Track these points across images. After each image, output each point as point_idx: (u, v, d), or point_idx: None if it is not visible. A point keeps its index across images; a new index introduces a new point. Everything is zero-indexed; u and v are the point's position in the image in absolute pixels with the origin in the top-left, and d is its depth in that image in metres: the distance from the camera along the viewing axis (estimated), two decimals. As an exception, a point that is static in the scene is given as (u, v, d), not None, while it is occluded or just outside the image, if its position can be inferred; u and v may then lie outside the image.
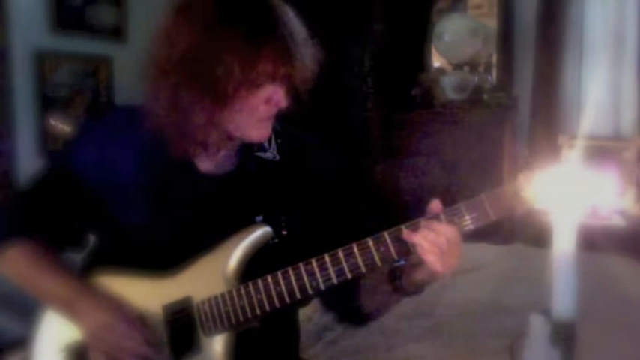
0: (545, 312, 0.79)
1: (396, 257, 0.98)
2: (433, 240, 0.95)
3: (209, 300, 1.06)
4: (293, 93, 1.07)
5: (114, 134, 1.15)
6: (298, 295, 1.02)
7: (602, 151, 2.96)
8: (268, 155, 1.15)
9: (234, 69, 0.96)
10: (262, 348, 1.11)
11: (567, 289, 0.78)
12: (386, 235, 0.99)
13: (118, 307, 1.09)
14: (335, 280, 1.00)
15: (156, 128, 1.05)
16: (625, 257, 2.28)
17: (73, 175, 1.15)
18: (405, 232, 0.97)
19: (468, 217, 0.96)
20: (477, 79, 3.34)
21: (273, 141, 1.16)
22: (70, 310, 1.12)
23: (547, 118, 3.19)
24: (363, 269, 0.99)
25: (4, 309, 1.87)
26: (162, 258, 1.09)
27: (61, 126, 2.84)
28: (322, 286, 1.00)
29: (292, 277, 1.02)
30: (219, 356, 1.06)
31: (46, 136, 2.83)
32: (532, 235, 2.60)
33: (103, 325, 1.08)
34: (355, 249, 0.99)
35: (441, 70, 3.52)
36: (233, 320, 1.05)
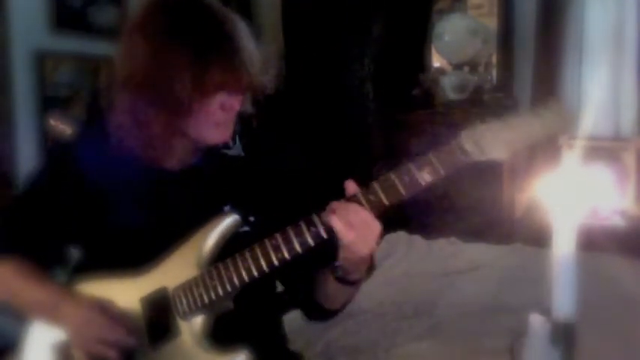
0: (545, 312, 0.79)
1: (325, 236, 1.04)
2: (347, 221, 1.01)
3: (182, 285, 1.12)
4: (252, 96, 1.16)
5: (87, 147, 1.23)
6: (265, 267, 1.07)
7: (602, 151, 2.96)
8: (233, 152, 1.23)
9: (186, 82, 1.05)
10: (242, 332, 1.14)
11: (567, 289, 0.78)
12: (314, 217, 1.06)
13: (98, 303, 1.14)
14: (299, 249, 1.05)
15: (121, 139, 1.13)
16: (625, 257, 2.28)
17: (52, 187, 1.23)
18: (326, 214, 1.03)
19: (418, 174, 1.02)
20: (476, 79, 3.34)
21: (237, 140, 1.24)
22: (53, 314, 1.17)
23: (547, 118, 3.18)
24: (325, 236, 1.04)
25: (5, 310, 1.86)
26: (141, 257, 1.15)
27: (61, 126, 2.84)
28: (287, 256, 1.05)
29: (259, 252, 1.07)
30: (197, 336, 1.11)
31: (46, 136, 2.83)
32: (532, 235, 2.60)
33: (85, 321, 1.12)
34: (317, 220, 1.05)
35: (441, 70, 3.53)
36: (206, 300, 1.10)
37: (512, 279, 2.27)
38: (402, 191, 1.01)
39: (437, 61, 3.60)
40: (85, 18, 2.94)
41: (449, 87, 3.33)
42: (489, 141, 1.02)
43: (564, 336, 0.78)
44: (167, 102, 1.06)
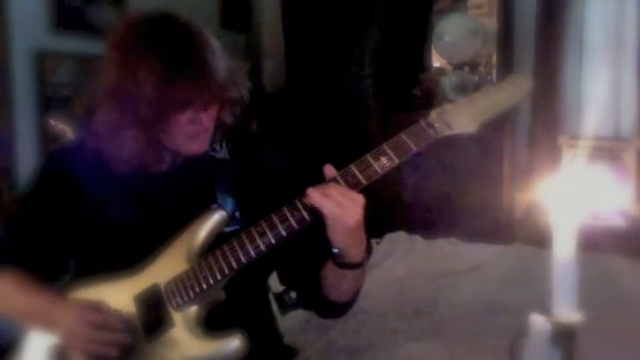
0: (545, 312, 0.79)
1: (308, 219, 1.08)
2: (324, 193, 1.05)
3: (174, 279, 1.15)
4: (227, 108, 1.20)
5: (78, 153, 1.26)
6: (252, 253, 1.09)
7: (602, 151, 2.96)
8: (219, 155, 1.26)
9: (152, 98, 1.08)
10: (234, 324, 1.14)
11: (567, 289, 0.78)
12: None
13: (91, 304, 1.16)
14: (284, 233, 1.08)
15: (100, 149, 1.17)
16: (625, 257, 2.28)
17: (46, 197, 1.27)
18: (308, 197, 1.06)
19: (392, 154, 1.08)
20: (476, 79, 3.34)
21: (224, 145, 1.28)
22: (46, 321, 1.19)
23: (547, 118, 3.19)
24: (308, 218, 1.08)
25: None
26: (133, 259, 1.17)
27: (61, 126, 2.84)
28: (273, 241, 1.08)
29: (245, 240, 1.10)
30: (191, 325, 1.13)
31: (46, 136, 2.83)
32: (532, 235, 2.60)
33: (80, 323, 1.14)
34: (299, 205, 1.09)
35: (441, 70, 3.53)
36: (197, 290, 1.12)
37: (512, 279, 2.27)
38: (378, 170, 1.08)
39: (437, 61, 3.60)
40: (85, 18, 2.94)
41: (449, 87, 3.33)
42: (455, 116, 1.09)
43: (564, 336, 0.78)
44: (135, 116, 1.10)
